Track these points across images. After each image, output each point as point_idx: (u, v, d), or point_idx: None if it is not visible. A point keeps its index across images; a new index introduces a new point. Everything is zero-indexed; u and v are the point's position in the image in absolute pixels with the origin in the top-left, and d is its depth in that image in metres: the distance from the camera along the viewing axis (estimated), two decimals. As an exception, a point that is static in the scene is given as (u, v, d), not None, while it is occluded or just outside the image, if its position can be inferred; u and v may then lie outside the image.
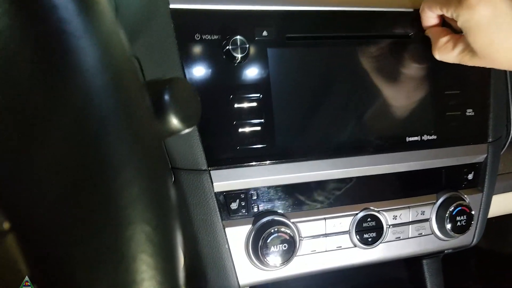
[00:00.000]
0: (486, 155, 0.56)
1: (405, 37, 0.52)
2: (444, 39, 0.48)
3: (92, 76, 0.16)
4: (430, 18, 0.50)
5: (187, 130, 0.26)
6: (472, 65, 0.47)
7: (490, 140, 0.56)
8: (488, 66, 0.47)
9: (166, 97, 0.25)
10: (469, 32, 0.44)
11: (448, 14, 0.46)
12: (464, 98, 0.54)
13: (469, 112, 0.54)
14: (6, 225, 0.18)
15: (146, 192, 0.17)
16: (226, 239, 0.46)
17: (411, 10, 0.52)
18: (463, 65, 0.53)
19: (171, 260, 0.18)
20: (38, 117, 0.15)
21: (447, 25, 0.51)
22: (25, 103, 0.15)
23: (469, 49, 0.46)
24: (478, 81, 0.55)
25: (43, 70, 0.15)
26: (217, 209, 0.45)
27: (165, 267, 0.17)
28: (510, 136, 0.62)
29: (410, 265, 0.67)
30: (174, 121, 0.25)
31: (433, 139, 0.52)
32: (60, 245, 0.16)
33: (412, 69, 0.52)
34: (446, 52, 0.48)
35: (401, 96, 0.51)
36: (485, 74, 0.55)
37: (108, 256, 0.16)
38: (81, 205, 0.16)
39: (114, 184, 0.16)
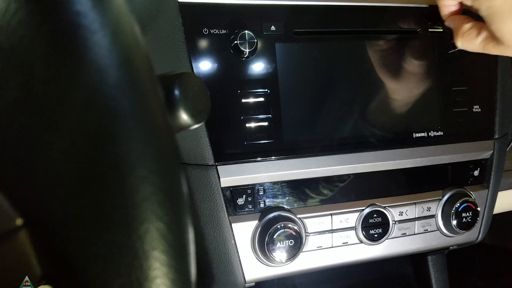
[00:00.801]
0: (492, 151, 0.56)
1: (413, 32, 0.51)
2: (467, 26, 0.46)
3: (107, 70, 0.15)
4: (449, 6, 0.48)
5: (196, 125, 0.26)
6: (497, 53, 0.45)
7: (496, 136, 0.56)
8: None
9: (177, 92, 0.24)
10: (491, 19, 0.42)
11: (468, 2, 0.44)
12: (471, 95, 0.54)
13: (476, 109, 0.54)
14: (18, 221, 0.18)
15: (160, 189, 0.16)
16: (233, 234, 0.46)
17: (418, 6, 0.52)
18: (469, 61, 0.53)
19: (184, 257, 0.17)
20: (54, 110, 0.15)
21: (466, 13, 0.49)
22: (41, 95, 0.15)
23: (493, 36, 0.44)
24: (485, 77, 0.55)
25: (59, 63, 0.15)
26: (224, 205, 0.45)
27: (178, 265, 0.17)
28: (517, 133, 0.61)
29: (415, 261, 0.67)
30: (184, 116, 0.25)
31: (440, 135, 0.52)
32: (74, 240, 0.16)
33: (419, 65, 0.51)
34: (470, 40, 0.46)
35: (407, 92, 0.51)
36: (492, 71, 0.55)
37: (122, 252, 0.16)
38: (95, 200, 0.16)
39: (128, 181, 0.16)
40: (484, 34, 0.45)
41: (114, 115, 0.16)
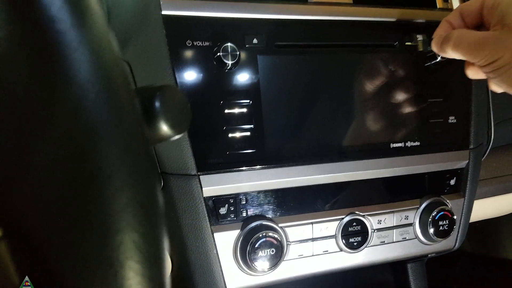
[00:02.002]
0: (467, 161, 0.58)
1: (390, 46, 0.53)
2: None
3: (85, 86, 0.16)
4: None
5: (177, 137, 0.27)
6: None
7: (471, 146, 0.58)
8: None
9: (157, 104, 0.25)
10: (501, 77, 0.41)
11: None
12: (447, 106, 0.56)
13: (451, 120, 0.56)
14: (-1, 233, 0.18)
15: (135, 200, 0.17)
16: (215, 244, 0.46)
17: (395, 20, 0.54)
18: (445, 73, 0.55)
19: (158, 267, 0.18)
20: (34, 123, 0.16)
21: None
22: (21, 109, 0.16)
23: None
24: (460, 89, 0.57)
25: (40, 79, 0.15)
26: (206, 214, 0.46)
27: (152, 274, 0.17)
28: (491, 143, 0.64)
29: (395, 269, 0.68)
30: (164, 128, 0.25)
31: (417, 145, 0.53)
32: (51, 250, 0.17)
33: (396, 77, 0.53)
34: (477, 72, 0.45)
35: (385, 103, 0.52)
36: (467, 83, 0.57)
37: (97, 262, 0.16)
38: (72, 211, 0.16)
39: (104, 193, 0.16)
40: (483, 31, 0.43)
41: (91, 128, 0.16)
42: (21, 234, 0.17)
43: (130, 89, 0.18)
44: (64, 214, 0.16)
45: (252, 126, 0.47)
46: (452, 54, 0.45)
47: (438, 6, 0.58)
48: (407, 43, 0.54)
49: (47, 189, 0.16)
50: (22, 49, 0.15)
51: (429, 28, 0.55)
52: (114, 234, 0.16)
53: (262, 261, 0.46)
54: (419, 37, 0.54)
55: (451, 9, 0.59)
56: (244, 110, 0.46)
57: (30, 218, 0.16)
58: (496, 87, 0.45)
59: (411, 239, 0.55)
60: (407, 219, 0.55)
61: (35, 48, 0.15)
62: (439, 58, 0.53)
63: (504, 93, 0.45)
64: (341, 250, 0.52)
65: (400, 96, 0.53)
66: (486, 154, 0.64)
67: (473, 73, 0.47)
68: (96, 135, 0.16)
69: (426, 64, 0.54)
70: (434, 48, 0.47)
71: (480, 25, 0.45)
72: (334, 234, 0.51)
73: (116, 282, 0.16)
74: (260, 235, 0.46)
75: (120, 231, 0.16)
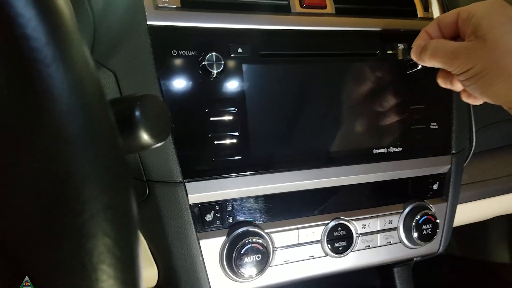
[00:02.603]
0: (450, 166, 0.59)
1: (372, 54, 0.54)
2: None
3: (59, 100, 0.17)
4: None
5: (157, 145, 0.28)
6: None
7: (453, 152, 0.59)
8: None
9: (137, 113, 0.26)
10: (475, 84, 0.42)
11: (461, 13, 0.44)
12: (428, 112, 0.57)
13: (433, 126, 0.57)
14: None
15: (108, 206, 0.18)
16: (200, 251, 0.47)
17: (376, 29, 0.55)
18: (426, 80, 0.56)
19: (131, 270, 0.19)
20: (8, 135, 0.16)
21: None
22: None
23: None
24: (442, 96, 0.59)
25: (15, 94, 0.16)
26: (192, 221, 0.46)
27: (125, 277, 0.18)
28: (473, 148, 0.65)
29: (381, 273, 0.69)
30: (145, 136, 0.26)
31: (399, 151, 0.55)
32: (24, 254, 0.17)
33: (379, 84, 0.54)
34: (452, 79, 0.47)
35: (368, 110, 0.53)
36: (449, 90, 0.59)
37: (70, 266, 0.17)
38: (45, 217, 0.17)
39: (77, 199, 0.17)
40: (459, 42, 0.44)
41: (64, 137, 0.17)
42: None
43: (103, 100, 0.19)
44: (36, 220, 0.17)
45: (237, 133, 0.47)
46: (429, 63, 0.46)
47: (419, 16, 0.60)
48: (388, 52, 0.55)
49: (18, 196, 0.17)
50: None
51: (410, 37, 0.56)
52: (86, 239, 0.17)
53: (248, 267, 0.47)
54: (400, 46, 0.56)
55: (431, 19, 0.61)
56: (230, 117, 0.47)
57: (3, 222, 0.17)
58: (471, 99, 0.47)
59: (395, 243, 0.56)
60: (391, 223, 0.55)
61: (9, 63, 0.16)
62: (420, 66, 0.55)
63: (484, 100, 0.47)
64: (326, 255, 0.52)
65: (383, 103, 0.54)
66: (468, 159, 0.65)
67: (442, 82, 0.49)
68: (68, 143, 0.17)
69: (408, 72, 0.56)
70: (413, 56, 0.49)
71: (456, 35, 0.47)
72: (319, 239, 0.52)
73: (88, 285, 0.17)
74: (246, 241, 0.47)
75: (93, 237, 0.17)
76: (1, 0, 0.16)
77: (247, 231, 0.48)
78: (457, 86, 0.49)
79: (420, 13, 0.60)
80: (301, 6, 0.52)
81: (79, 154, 0.17)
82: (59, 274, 0.17)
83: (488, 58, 0.40)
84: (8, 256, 0.17)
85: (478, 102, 0.48)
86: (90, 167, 0.17)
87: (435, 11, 0.61)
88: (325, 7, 0.53)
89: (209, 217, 0.48)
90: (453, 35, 0.47)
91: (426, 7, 0.60)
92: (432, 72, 0.54)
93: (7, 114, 0.16)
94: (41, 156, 0.17)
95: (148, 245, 0.51)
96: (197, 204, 0.47)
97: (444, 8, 0.61)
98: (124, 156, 0.20)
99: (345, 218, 0.53)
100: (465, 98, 0.49)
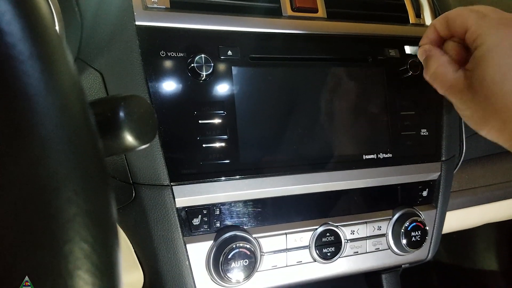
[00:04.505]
0: (439, 173, 0.59)
1: (363, 61, 0.54)
2: (444, 59, 0.44)
3: (35, 99, 0.16)
4: (432, 37, 0.47)
5: (142, 147, 0.27)
6: (458, 102, 0.43)
7: (443, 158, 0.59)
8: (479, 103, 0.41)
9: (121, 114, 0.25)
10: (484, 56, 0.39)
11: (469, 30, 0.41)
12: (419, 119, 0.57)
13: (424, 132, 0.57)
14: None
15: (85, 210, 0.17)
16: (187, 255, 0.46)
17: (368, 34, 0.55)
18: (417, 87, 0.56)
19: (109, 276, 0.18)
20: None
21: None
22: None
23: (468, 80, 0.41)
24: (432, 102, 0.59)
25: None
26: (178, 225, 0.45)
27: (103, 284, 0.17)
28: (463, 155, 0.65)
29: (369, 279, 0.69)
30: (129, 138, 0.25)
31: (389, 157, 0.54)
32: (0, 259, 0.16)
33: (370, 90, 0.54)
34: (442, 75, 0.44)
35: (358, 116, 0.53)
36: (439, 97, 0.59)
37: (47, 271, 0.16)
38: (21, 221, 0.16)
39: (53, 203, 0.16)
40: (459, 74, 0.42)
41: (40, 139, 0.16)
42: None
43: (82, 101, 0.19)
44: (12, 224, 0.16)
45: (226, 136, 0.47)
46: (430, 82, 0.47)
47: (410, 22, 0.60)
48: (380, 58, 0.55)
49: None
50: None
51: (402, 43, 0.57)
52: (62, 244, 0.16)
53: (235, 272, 0.46)
54: (392, 52, 0.56)
55: (423, 25, 0.61)
56: (218, 120, 0.47)
57: None
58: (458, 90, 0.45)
59: (384, 249, 0.56)
60: (380, 229, 0.55)
61: None
62: (410, 73, 0.55)
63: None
64: (314, 260, 0.52)
65: (373, 109, 0.54)
66: (458, 166, 0.65)
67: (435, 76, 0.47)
68: (44, 145, 0.16)
69: (399, 78, 0.56)
70: (420, 58, 0.49)
71: (463, 38, 0.44)
72: (308, 244, 0.51)
73: None
74: (234, 246, 0.46)
75: (69, 241, 0.17)
76: None
77: (235, 235, 0.47)
78: None
79: (412, 19, 0.60)
80: (293, 9, 0.51)
81: (55, 157, 0.17)
82: (36, 279, 0.16)
83: (477, 110, 0.40)
84: None
85: None
86: (67, 170, 0.17)
87: (427, 17, 0.61)
88: (316, 11, 0.53)
89: (196, 221, 0.47)
90: (461, 36, 0.44)
91: (418, 13, 0.61)
92: (423, 78, 0.54)
93: None
94: (15, 158, 0.16)
95: (133, 248, 0.50)
96: (184, 207, 0.46)
97: (436, 14, 0.61)
98: (103, 159, 0.19)
99: (334, 224, 0.52)
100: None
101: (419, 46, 0.49)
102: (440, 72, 0.44)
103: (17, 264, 0.16)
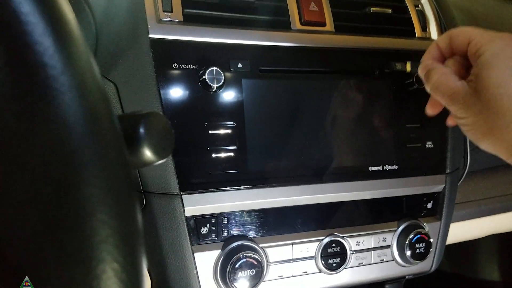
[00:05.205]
0: (444, 185, 0.60)
1: (370, 74, 0.55)
2: (446, 70, 0.44)
3: (73, 126, 0.17)
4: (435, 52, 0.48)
5: (160, 162, 0.28)
6: (461, 113, 0.42)
7: (448, 171, 0.60)
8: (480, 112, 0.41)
9: (142, 130, 0.26)
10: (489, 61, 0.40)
11: (473, 41, 0.42)
12: (424, 131, 0.58)
13: (429, 145, 0.58)
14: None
15: (117, 232, 0.18)
16: (195, 264, 0.47)
17: (375, 48, 0.56)
18: (422, 100, 0.57)
19: None
20: (24, 158, 0.16)
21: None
22: (12, 144, 0.16)
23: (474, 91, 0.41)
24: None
25: (32, 119, 0.17)
26: (187, 234, 0.46)
27: None
28: (467, 168, 0.66)
29: (373, 289, 0.69)
30: (148, 153, 0.26)
31: (395, 169, 0.55)
32: (35, 278, 0.17)
33: (376, 103, 0.55)
34: (444, 83, 0.43)
35: (365, 128, 0.54)
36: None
37: None
38: (56, 242, 0.17)
39: (88, 225, 0.17)
40: (461, 82, 0.42)
41: (77, 164, 0.17)
42: (5, 262, 0.18)
43: (114, 126, 0.19)
44: (47, 244, 0.17)
45: (235, 147, 0.48)
46: (431, 93, 0.46)
47: (416, 35, 0.61)
48: (386, 71, 0.56)
49: (31, 218, 0.17)
50: (16, 91, 0.16)
51: (408, 56, 0.58)
52: (96, 264, 0.17)
53: (242, 281, 0.47)
54: (398, 65, 0.57)
55: (429, 38, 0.62)
56: (228, 131, 0.47)
57: (13, 244, 0.17)
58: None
59: (388, 261, 0.56)
60: (385, 241, 0.56)
61: (28, 90, 0.16)
62: (416, 86, 0.56)
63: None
64: (320, 271, 0.52)
65: (379, 122, 0.55)
66: (463, 178, 0.66)
67: (431, 109, 0.50)
68: (81, 170, 0.17)
69: (405, 91, 0.57)
70: (420, 74, 0.48)
71: (466, 55, 0.45)
72: (314, 255, 0.52)
73: None
74: (241, 256, 0.47)
75: (102, 262, 0.17)
76: (20, 29, 0.16)
77: (242, 245, 0.48)
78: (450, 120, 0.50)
79: (418, 32, 0.61)
80: (301, 23, 0.52)
81: (90, 181, 0.17)
82: None
83: (479, 116, 0.40)
84: (18, 279, 0.17)
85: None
86: (101, 193, 0.18)
87: (433, 31, 0.62)
88: (324, 25, 0.54)
89: (204, 230, 0.48)
90: (463, 53, 0.45)
91: (424, 27, 0.61)
92: (428, 93, 0.54)
93: (24, 143, 0.16)
94: (54, 182, 0.17)
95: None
96: (193, 216, 0.47)
97: (442, 28, 0.62)
98: (133, 179, 0.20)
99: (340, 235, 0.53)
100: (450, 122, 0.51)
101: (421, 62, 0.49)
102: (442, 80, 0.44)
103: (51, 282, 0.17)
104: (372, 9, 0.57)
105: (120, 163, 0.19)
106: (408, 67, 0.57)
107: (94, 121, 0.18)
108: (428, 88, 0.47)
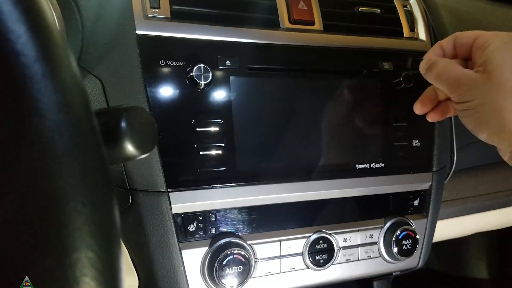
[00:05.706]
0: (430, 183, 0.60)
1: (358, 73, 0.56)
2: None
3: (47, 115, 0.17)
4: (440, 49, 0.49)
5: (142, 156, 0.28)
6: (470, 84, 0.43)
7: (434, 169, 0.60)
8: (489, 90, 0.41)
9: (123, 124, 0.26)
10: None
11: (479, 37, 0.44)
12: (411, 130, 0.58)
13: (415, 143, 0.59)
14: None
15: (91, 220, 0.18)
16: (182, 261, 0.47)
17: (363, 47, 0.56)
18: (409, 99, 0.58)
19: (114, 283, 0.19)
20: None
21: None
22: None
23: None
24: (425, 114, 0.60)
25: (3, 110, 0.17)
26: (174, 231, 0.46)
27: None
28: (454, 166, 0.67)
29: (361, 286, 0.70)
30: (130, 148, 0.26)
31: (381, 167, 0.56)
32: (8, 265, 0.17)
33: (363, 102, 0.55)
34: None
35: (352, 126, 0.54)
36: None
37: (54, 278, 0.17)
38: (30, 230, 0.17)
39: (62, 213, 0.17)
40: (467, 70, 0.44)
41: (52, 154, 0.17)
42: None
43: (90, 116, 0.19)
44: (21, 232, 0.17)
45: (223, 145, 0.48)
46: (433, 82, 0.47)
47: (404, 35, 0.61)
48: (374, 70, 0.56)
49: (5, 207, 0.17)
50: None
51: (396, 56, 0.59)
52: (70, 253, 0.17)
53: (229, 278, 0.47)
54: (386, 65, 0.57)
55: (417, 38, 0.62)
56: (216, 129, 0.47)
57: None
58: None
59: (375, 257, 0.57)
60: (372, 237, 0.56)
61: (1, 81, 0.16)
62: (403, 85, 0.56)
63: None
64: (307, 267, 0.53)
65: (367, 120, 0.55)
66: (449, 176, 0.67)
67: (420, 107, 0.52)
68: (55, 160, 0.17)
69: (392, 90, 0.57)
70: (421, 69, 0.49)
71: (469, 58, 0.46)
72: (301, 251, 0.52)
73: None
74: (228, 252, 0.47)
75: (76, 250, 0.17)
76: None
77: (230, 242, 0.48)
78: (433, 117, 0.52)
79: (406, 32, 0.61)
80: (290, 21, 0.53)
81: (65, 170, 0.18)
82: (42, 284, 0.17)
83: (487, 96, 0.41)
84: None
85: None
86: (76, 182, 0.18)
87: (421, 31, 0.63)
88: (313, 24, 0.54)
89: (191, 227, 0.48)
90: (466, 56, 0.47)
91: (412, 27, 0.62)
92: (415, 91, 0.55)
93: None
94: (28, 171, 0.17)
95: (129, 253, 0.50)
96: (180, 214, 0.47)
97: (430, 29, 0.63)
98: (108, 170, 0.20)
99: (327, 232, 0.53)
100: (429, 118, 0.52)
101: (422, 59, 0.50)
102: (447, 67, 0.45)
103: (25, 270, 0.17)
104: (361, 8, 0.58)
105: (95, 153, 0.19)
106: (396, 67, 0.58)
107: (68, 110, 0.18)
108: (430, 78, 0.47)
